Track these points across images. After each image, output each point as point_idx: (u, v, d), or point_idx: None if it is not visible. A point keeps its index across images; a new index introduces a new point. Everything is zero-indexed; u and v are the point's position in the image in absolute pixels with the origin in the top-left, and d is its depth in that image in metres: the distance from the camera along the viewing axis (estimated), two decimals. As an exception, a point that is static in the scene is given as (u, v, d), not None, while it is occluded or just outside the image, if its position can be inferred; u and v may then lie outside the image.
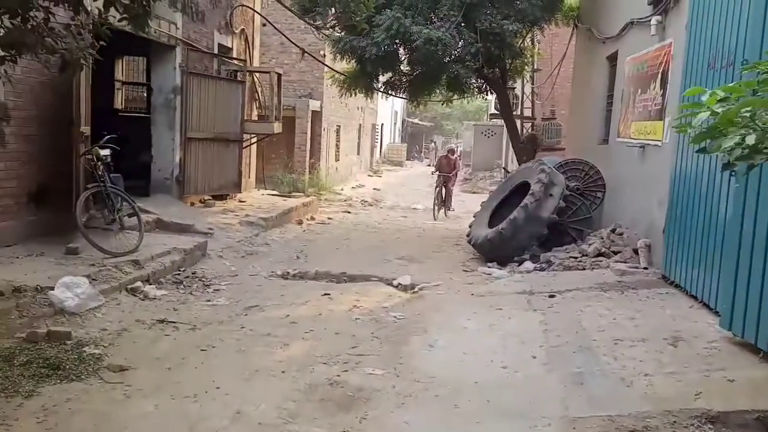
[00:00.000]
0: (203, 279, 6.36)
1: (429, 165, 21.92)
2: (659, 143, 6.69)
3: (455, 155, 15.71)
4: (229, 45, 11.63)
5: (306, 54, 13.90)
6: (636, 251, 6.71)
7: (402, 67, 12.37)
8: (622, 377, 3.81)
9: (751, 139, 2.17)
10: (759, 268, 3.92)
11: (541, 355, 4.36)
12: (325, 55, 15.18)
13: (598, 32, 9.93)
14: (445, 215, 13.85)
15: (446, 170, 14.32)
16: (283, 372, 4.08)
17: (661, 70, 6.90)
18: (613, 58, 9.28)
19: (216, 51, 11.02)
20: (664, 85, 6.73)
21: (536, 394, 3.76)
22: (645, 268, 6.33)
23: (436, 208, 13.75)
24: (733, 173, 4.53)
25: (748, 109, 2.29)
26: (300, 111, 16.62)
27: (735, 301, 4.16)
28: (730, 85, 2.59)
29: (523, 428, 3.35)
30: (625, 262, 6.65)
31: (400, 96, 13.98)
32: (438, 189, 13.97)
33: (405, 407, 3.64)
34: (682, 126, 2.74)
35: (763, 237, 3.91)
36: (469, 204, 14.46)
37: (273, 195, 12.52)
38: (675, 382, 3.67)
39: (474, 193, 19.24)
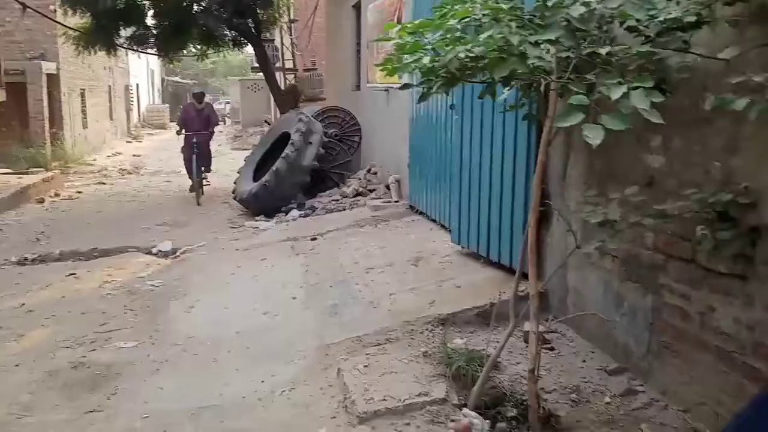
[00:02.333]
0: None
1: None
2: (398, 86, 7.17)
3: (205, 101, 10.47)
4: None
5: (29, 9, 11.99)
6: (388, 187, 7.22)
7: (148, 21, 11.41)
8: (371, 301, 4.12)
9: (426, 60, 2.40)
10: (476, 189, 4.49)
11: (301, 296, 4.52)
12: (55, 11, 13.27)
13: (341, -20, 10.19)
14: (201, 191, 9.70)
15: (197, 126, 9.75)
16: (16, 365, 3.63)
17: (396, 17, 7.34)
18: (358, 7, 9.62)
19: None
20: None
21: (295, 332, 3.89)
22: (396, 201, 6.86)
23: (196, 182, 9.60)
24: (452, 106, 5.08)
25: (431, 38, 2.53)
26: (32, 75, 14.38)
27: (461, 218, 4.72)
28: (418, 21, 2.84)
29: (280, 365, 3.45)
30: (379, 198, 7.14)
31: (149, 52, 12.92)
32: (190, 154, 9.64)
33: (160, 373, 3.51)
34: (382, 63, 2.94)
35: (477, 163, 4.46)
36: (241, 162, 14.11)
37: (4, 173, 10.83)
38: (414, 296, 4.08)
39: (245, 149, 18.79)
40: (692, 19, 2.10)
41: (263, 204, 8.00)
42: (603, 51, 1.62)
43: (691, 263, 2.59)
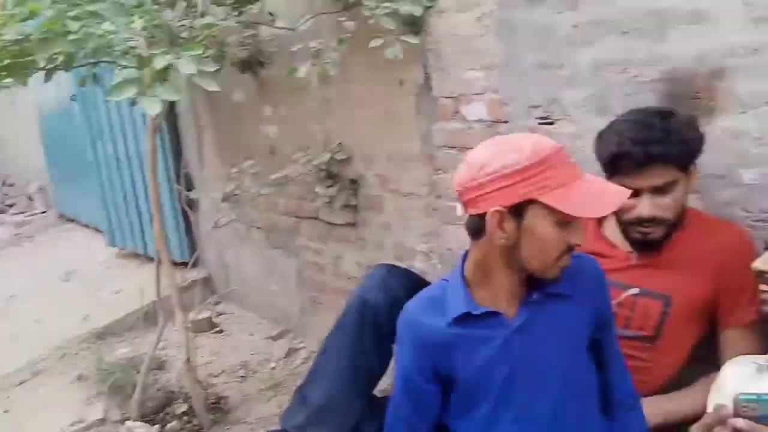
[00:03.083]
0: None
1: None
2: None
3: None
4: None
5: None
6: (31, 198, 6.27)
7: None
8: (14, 333, 3.53)
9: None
10: (119, 185, 4.14)
11: None
12: None
13: None
14: None
15: None
16: None
17: None
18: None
19: None
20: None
21: None
22: (43, 212, 6.00)
23: None
24: (73, 98, 4.55)
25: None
26: None
27: (110, 219, 4.34)
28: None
29: None
30: (23, 213, 6.16)
31: None
32: None
33: None
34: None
35: (114, 157, 4.10)
36: None
37: None
38: (67, 316, 3.61)
39: None
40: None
41: None
42: (138, 25, 1.56)
43: (317, 221, 2.80)
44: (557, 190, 1.05)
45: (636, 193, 1.33)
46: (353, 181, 2.53)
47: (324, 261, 2.83)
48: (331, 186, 2.54)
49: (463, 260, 1.21)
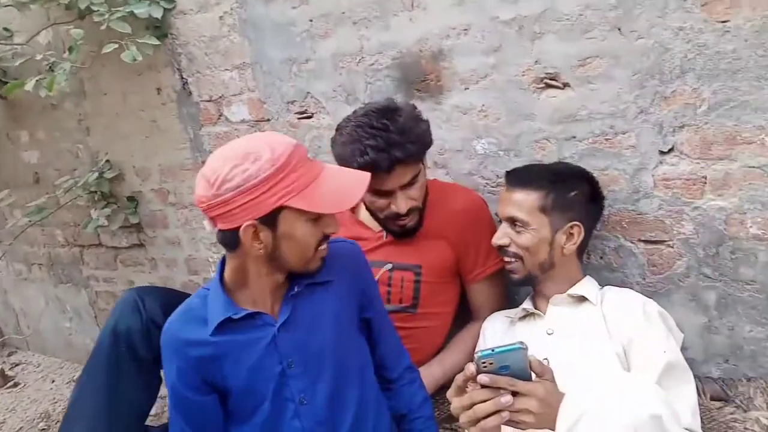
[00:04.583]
0: None
1: None
2: None
3: None
4: None
5: None
6: None
7: None
8: None
9: None
10: None
11: None
12: None
13: None
14: None
15: None
16: None
17: None
18: None
19: None
20: None
21: None
22: None
23: None
24: None
25: None
26: None
27: None
28: None
29: None
30: None
31: None
32: None
33: None
34: None
35: None
36: None
37: None
38: None
39: None
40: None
41: None
42: None
43: (101, 247, 2.58)
44: (303, 192, 1.04)
45: (388, 193, 1.35)
46: (131, 199, 2.36)
47: (116, 289, 2.62)
48: (105, 207, 2.34)
49: (221, 266, 1.17)
